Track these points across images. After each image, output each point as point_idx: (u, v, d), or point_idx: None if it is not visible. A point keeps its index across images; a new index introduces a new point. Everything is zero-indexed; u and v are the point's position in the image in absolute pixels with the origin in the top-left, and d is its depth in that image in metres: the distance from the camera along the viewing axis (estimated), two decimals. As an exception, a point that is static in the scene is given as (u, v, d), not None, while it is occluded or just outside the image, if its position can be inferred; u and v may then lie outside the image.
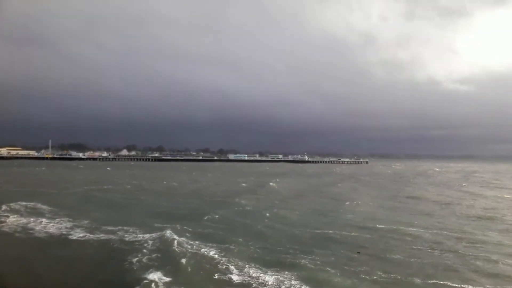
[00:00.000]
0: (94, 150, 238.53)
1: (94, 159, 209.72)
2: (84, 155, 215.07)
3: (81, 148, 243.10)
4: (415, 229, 24.49)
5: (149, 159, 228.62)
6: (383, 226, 25.48)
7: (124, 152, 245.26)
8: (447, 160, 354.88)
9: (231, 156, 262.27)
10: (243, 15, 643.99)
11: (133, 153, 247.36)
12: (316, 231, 23.63)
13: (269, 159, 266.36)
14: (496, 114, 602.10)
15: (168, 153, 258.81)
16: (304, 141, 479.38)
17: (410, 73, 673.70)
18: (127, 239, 20.59)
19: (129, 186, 52.65)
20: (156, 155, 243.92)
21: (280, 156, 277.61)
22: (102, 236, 21.33)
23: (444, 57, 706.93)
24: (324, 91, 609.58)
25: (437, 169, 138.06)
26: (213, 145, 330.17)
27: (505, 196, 46.38)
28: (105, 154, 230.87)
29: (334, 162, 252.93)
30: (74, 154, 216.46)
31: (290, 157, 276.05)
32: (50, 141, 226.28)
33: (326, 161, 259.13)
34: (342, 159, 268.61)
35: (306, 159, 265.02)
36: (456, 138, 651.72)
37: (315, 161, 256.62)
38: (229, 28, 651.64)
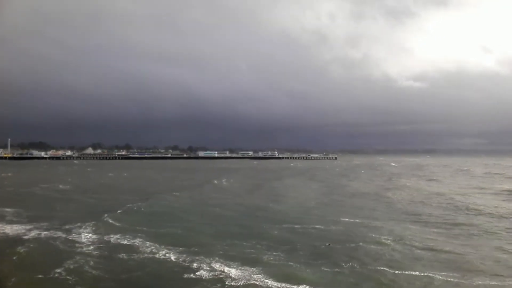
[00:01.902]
0: (57, 149, 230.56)
1: (58, 158, 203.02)
2: (47, 154, 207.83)
3: (43, 147, 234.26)
4: (347, 219, 25.20)
5: (115, 157, 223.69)
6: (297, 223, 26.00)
7: (90, 150, 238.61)
8: (412, 154, 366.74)
9: (201, 153, 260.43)
10: (201, 12, 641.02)
11: (99, 151, 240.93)
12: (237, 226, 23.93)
13: (239, 155, 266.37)
14: (453, 110, 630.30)
15: (135, 151, 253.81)
16: (275, 138, 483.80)
17: (367, 70, 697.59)
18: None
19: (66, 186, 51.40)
20: (123, 153, 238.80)
21: (251, 153, 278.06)
22: None
23: (396, 56, 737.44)
24: (289, 88, 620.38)
25: (393, 164, 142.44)
26: (183, 142, 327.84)
27: (425, 188, 48.78)
28: (69, 152, 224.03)
29: (303, 158, 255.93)
30: (36, 153, 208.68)
31: (260, 154, 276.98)
32: (9, 139, 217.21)
33: (295, 157, 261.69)
34: (311, 155, 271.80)
35: (276, 155, 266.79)
36: (421, 133, 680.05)
37: (285, 157, 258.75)
38: (188, 26, 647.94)
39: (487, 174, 76.20)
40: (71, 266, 15.10)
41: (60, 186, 48.90)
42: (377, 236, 20.38)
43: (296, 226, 23.19)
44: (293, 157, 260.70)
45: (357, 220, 25.25)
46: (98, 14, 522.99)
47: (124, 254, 16.87)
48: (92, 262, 15.69)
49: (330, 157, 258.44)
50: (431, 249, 17.88)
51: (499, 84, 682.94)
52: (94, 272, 14.67)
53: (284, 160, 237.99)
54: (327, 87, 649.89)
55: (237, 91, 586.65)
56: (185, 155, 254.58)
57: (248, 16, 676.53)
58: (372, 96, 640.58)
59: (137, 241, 19.16)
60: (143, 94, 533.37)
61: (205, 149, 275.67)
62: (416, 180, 61.74)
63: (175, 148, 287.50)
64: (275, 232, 21.61)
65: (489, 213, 28.36)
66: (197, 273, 14.39)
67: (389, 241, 19.21)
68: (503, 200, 36.37)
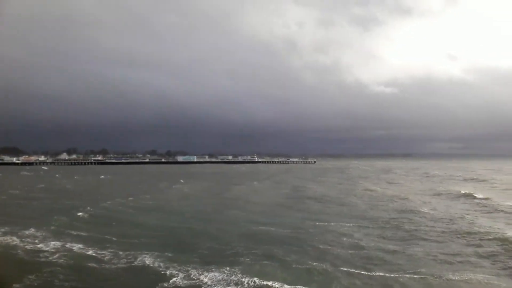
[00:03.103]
0: (30, 154, 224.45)
1: (30, 163, 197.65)
2: (19, 160, 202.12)
3: (15, 152, 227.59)
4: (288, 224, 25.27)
5: (91, 162, 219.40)
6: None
7: (64, 156, 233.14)
8: (389, 158, 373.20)
9: (180, 158, 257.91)
10: (173, 16, 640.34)
11: (74, 156, 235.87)
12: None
13: (219, 160, 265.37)
14: (426, 115, 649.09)
15: (112, 156, 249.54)
16: (255, 143, 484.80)
17: (339, 76, 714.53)
18: None
19: None
20: (99, 158, 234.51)
21: (230, 157, 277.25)
22: None
23: (367, 62, 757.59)
24: (266, 93, 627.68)
25: (366, 167, 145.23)
26: (161, 147, 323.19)
27: (377, 189, 50.06)
28: (42, 158, 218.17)
29: (283, 162, 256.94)
30: (7, 158, 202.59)
31: (240, 158, 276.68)
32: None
33: (275, 162, 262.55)
34: (291, 159, 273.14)
35: (256, 160, 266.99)
36: (398, 137, 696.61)
37: (264, 162, 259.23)
38: (161, 30, 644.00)
39: (450, 176, 78.21)
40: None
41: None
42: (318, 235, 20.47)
43: (243, 229, 23.22)
44: (272, 162, 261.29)
45: (302, 221, 25.39)
46: (67, 18, 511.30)
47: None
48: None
49: (309, 161, 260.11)
50: (355, 247, 18.14)
51: (466, 91, 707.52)
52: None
53: (263, 164, 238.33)
54: (302, 92, 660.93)
55: (215, 96, 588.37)
56: (163, 160, 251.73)
57: (220, 21, 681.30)
58: (346, 101, 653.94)
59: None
60: (120, 98, 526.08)
61: (184, 154, 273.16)
62: (377, 183, 62.79)
63: (153, 153, 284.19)
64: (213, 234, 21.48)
65: (427, 215, 28.84)
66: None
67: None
68: (449, 203, 37.21)
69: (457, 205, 34.93)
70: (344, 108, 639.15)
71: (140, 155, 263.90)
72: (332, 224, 25.26)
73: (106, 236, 21.27)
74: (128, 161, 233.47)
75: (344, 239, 20.58)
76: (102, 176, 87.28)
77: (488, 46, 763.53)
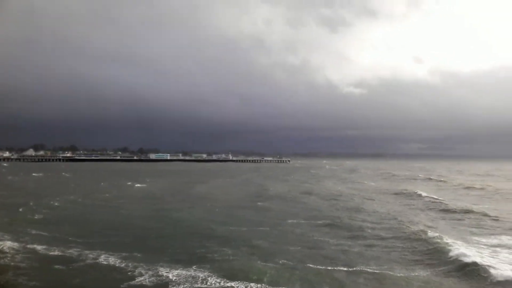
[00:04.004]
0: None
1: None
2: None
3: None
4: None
5: (59, 159, 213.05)
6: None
7: (31, 152, 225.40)
8: (361, 158, 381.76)
9: (152, 156, 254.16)
10: (143, 11, 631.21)
11: (41, 153, 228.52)
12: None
13: (193, 158, 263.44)
14: (395, 116, 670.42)
15: (82, 152, 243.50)
16: (229, 141, 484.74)
17: (309, 76, 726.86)
18: None
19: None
20: (68, 155, 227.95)
21: (204, 156, 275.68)
22: None
23: (336, 63, 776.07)
24: (238, 91, 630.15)
25: (334, 167, 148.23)
26: (133, 144, 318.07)
27: (337, 188, 51.27)
28: (7, 154, 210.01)
29: (257, 161, 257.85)
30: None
31: (214, 157, 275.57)
32: None
33: (249, 160, 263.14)
34: (265, 158, 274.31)
35: (230, 159, 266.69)
36: (370, 138, 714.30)
37: (239, 160, 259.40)
38: (131, 25, 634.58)
39: (410, 176, 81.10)
40: None
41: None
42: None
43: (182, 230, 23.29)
44: (247, 160, 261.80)
45: (261, 219, 25.81)
46: (34, 10, 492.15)
47: None
48: None
49: (283, 160, 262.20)
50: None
51: (432, 93, 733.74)
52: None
53: (235, 163, 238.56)
54: (273, 91, 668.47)
55: (188, 93, 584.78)
56: (135, 158, 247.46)
57: (190, 17, 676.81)
58: (317, 101, 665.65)
59: None
60: (91, 93, 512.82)
61: (157, 152, 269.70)
62: (337, 182, 64.63)
63: (125, 150, 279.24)
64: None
65: (375, 213, 29.90)
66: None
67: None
68: (401, 201, 38.73)
69: (406, 204, 36.38)
70: (316, 107, 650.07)
71: (111, 152, 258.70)
72: (288, 221, 25.84)
73: (55, 235, 20.93)
74: (98, 158, 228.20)
75: (299, 236, 21.14)
76: (66, 174, 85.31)
77: (451, 51, 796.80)
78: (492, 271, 13.54)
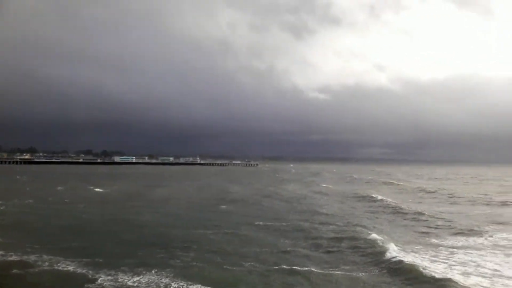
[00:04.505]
0: None
1: None
2: None
3: None
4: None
5: (16, 161, 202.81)
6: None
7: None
8: (327, 162, 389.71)
9: (117, 159, 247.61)
10: (106, 11, 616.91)
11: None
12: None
13: (159, 161, 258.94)
14: (360, 122, 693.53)
15: (41, 155, 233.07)
16: (197, 144, 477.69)
17: (276, 81, 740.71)
18: None
19: None
20: (26, 157, 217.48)
21: (171, 159, 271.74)
22: None
23: (301, 68, 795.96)
24: (205, 94, 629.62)
25: (300, 170, 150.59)
26: (97, 146, 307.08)
27: (296, 190, 51.90)
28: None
29: (225, 165, 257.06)
30: None
31: (181, 160, 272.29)
32: None
33: (218, 164, 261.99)
34: (233, 162, 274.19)
35: (198, 162, 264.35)
36: (336, 142, 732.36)
37: (207, 164, 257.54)
38: (94, 24, 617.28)
39: (370, 180, 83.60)
40: None
41: None
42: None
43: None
44: (215, 164, 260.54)
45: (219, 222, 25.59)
46: None
47: None
48: None
49: (251, 164, 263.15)
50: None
51: (393, 100, 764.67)
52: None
53: (205, 166, 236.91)
54: (240, 95, 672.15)
55: (153, 95, 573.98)
56: (99, 160, 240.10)
57: (156, 19, 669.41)
58: (284, 105, 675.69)
59: None
60: (52, 94, 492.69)
61: (122, 154, 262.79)
62: (296, 185, 65.60)
63: (88, 152, 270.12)
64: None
65: (325, 215, 30.43)
66: None
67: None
68: (354, 204, 39.73)
69: (360, 206, 37.33)
70: (283, 112, 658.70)
71: (73, 155, 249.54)
72: (247, 224, 25.75)
73: (11, 241, 19.69)
74: (59, 161, 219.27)
75: (257, 239, 21.17)
76: (18, 177, 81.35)
77: (410, 60, 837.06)
78: (423, 270, 13.99)
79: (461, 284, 12.74)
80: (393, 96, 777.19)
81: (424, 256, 17.05)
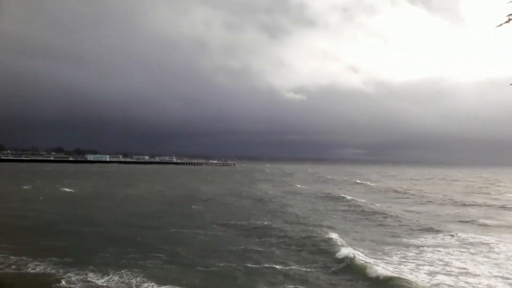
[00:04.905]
0: None
1: None
2: None
3: None
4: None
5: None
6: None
7: None
8: (302, 163, 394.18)
9: (90, 157, 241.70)
10: (78, 4, 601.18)
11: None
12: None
13: (134, 160, 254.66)
14: (334, 122, 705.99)
15: (9, 152, 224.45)
16: (174, 143, 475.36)
17: (251, 81, 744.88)
18: None
19: None
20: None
21: (147, 158, 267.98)
22: None
23: (277, 69, 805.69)
24: (180, 93, 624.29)
25: (274, 170, 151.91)
26: (69, 144, 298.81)
27: (267, 190, 52.69)
28: None
29: (202, 164, 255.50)
30: None
31: (157, 159, 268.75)
32: None
33: (194, 163, 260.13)
34: (210, 161, 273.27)
35: (174, 161, 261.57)
36: (311, 142, 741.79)
37: (183, 163, 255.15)
38: (65, 18, 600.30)
39: (342, 180, 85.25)
40: None
41: None
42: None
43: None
44: (191, 163, 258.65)
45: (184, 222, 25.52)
46: None
47: None
48: None
49: (228, 164, 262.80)
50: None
51: (367, 101, 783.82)
52: None
53: (181, 165, 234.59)
54: (215, 94, 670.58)
55: (127, 92, 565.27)
56: (71, 159, 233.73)
57: (128, 15, 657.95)
58: (260, 105, 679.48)
59: None
60: (21, 90, 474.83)
61: (95, 153, 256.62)
62: (269, 185, 66.25)
63: (59, 150, 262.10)
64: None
65: (292, 215, 30.90)
66: None
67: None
68: (325, 204, 40.48)
69: (327, 206, 38.01)
70: (259, 112, 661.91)
71: (43, 153, 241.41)
72: (214, 225, 25.71)
73: None
74: (29, 158, 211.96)
75: (224, 239, 21.27)
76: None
77: (382, 62, 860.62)
78: (372, 269, 14.40)
79: (410, 282, 13.11)
80: (366, 97, 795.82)
81: (380, 255, 17.55)
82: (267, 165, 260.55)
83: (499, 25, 10.16)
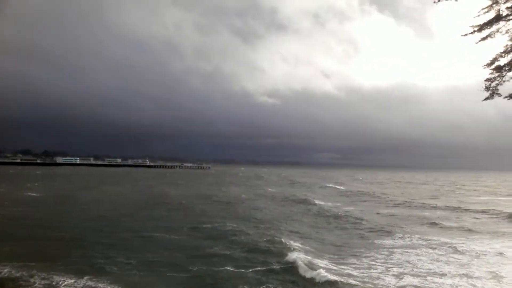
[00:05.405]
0: None
1: None
2: None
3: None
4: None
5: None
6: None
7: None
8: (278, 166, 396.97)
9: (60, 160, 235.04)
10: (46, 6, 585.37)
11: None
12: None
13: (106, 163, 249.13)
14: (309, 126, 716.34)
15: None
16: (147, 146, 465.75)
17: (225, 84, 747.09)
18: None
19: None
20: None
21: (119, 160, 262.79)
22: None
23: (250, 72, 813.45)
24: (152, 94, 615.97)
25: (248, 174, 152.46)
26: (37, 146, 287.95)
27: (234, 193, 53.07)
28: None
29: (176, 167, 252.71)
30: None
31: (130, 161, 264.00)
32: None
33: (168, 166, 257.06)
34: (185, 164, 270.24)
35: (148, 164, 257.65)
36: (287, 146, 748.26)
37: (157, 166, 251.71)
38: (27, 14, 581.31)
39: (312, 184, 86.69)
40: None
41: None
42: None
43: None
44: (166, 166, 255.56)
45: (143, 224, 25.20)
46: None
47: None
48: None
49: (203, 167, 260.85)
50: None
51: (339, 106, 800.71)
52: None
53: (154, 168, 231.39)
54: (188, 96, 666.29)
55: (97, 93, 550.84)
56: (39, 161, 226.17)
57: (98, 16, 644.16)
58: (234, 109, 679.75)
59: None
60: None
61: (65, 155, 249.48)
62: (239, 188, 66.40)
63: (26, 152, 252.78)
64: None
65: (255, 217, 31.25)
66: None
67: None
68: (289, 208, 41.05)
69: (290, 209, 38.57)
70: (233, 115, 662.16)
71: (9, 155, 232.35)
72: (178, 228, 25.64)
73: None
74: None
75: (183, 243, 21.25)
76: None
77: (353, 68, 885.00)
78: (313, 273, 14.66)
79: (350, 285, 13.45)
80: (338, 102, 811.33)
81: (329, 259, 17.80)
82: (242, 168, 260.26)
83: (464, 35, 10.77)
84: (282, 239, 21.63)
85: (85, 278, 14.45)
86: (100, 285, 13.83)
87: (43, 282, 13.96)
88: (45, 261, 16.66)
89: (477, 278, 14.83)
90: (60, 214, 31.90)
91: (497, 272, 15.54)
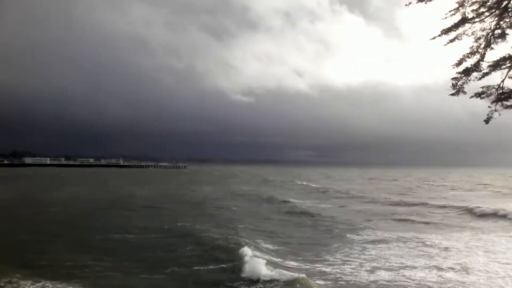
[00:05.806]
0: None
1: None
2: None
3: None
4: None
5: None
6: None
7: None
8: (254, 164, 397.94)
9: (29, 160, 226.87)
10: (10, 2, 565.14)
11: None
12: None
13: (78, 163, 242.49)
14: (284, 125, 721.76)
15: None
16: (121, 145, 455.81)
17: (197, 82, 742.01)
18: None
19: None
20: None
21: (91, 160, 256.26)
22: None
23: (223, 71, 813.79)
24: (120, 93, 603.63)
25: (224, 172, 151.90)
26: (4, 147, 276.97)
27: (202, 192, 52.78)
28: None
29: (151, 166, 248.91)
30: None
31: (103, 161, 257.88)
32: None
33: (143, 165, 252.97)
34: (160, 163, 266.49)
35: (121, 164, 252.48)
36: (264, 144, 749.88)
37: (132, 166, 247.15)
38: None
39: (282, 182, 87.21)
40: None
41: None
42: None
43: None
44: (140, 166, 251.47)
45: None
46: None
47: None
48: None
49: (179, 166, 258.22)
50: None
51: (313, 104, 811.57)
52: None
53: (128, 168, 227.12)
54: (159, 94, 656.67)
55: (61, 92, 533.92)
56: (6, 162, 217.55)
57: (60, 12, 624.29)
58: (207, 107, 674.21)
59: None
60: None
61: (34, 155, 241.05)
62: (211, 187, 66.03)
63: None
64: None
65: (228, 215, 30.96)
66: None
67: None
68: (259, 206, 40.96)
69: (256, 206, 38.75)
70: (207, 113, 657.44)
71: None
72: (142, 228, 25.12)
73: None
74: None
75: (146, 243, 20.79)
76: None
77: (325, 66, 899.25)
78: (260, 271, 14.36)
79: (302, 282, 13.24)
80: (311, 100, 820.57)
81: (301, 256, 17.71)
82: (219, 167, 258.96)
83: (433, 38, 10.89)
84: (245, 239, 21.38)
85: (54, 282, 13.64)
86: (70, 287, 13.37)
87: (10, 286, 13.23)
88: (9, 264, 15.65)
89: (446, 270, 15.27)
90: (20, 217, 30.33)
91: (464, 264, 16.07)
